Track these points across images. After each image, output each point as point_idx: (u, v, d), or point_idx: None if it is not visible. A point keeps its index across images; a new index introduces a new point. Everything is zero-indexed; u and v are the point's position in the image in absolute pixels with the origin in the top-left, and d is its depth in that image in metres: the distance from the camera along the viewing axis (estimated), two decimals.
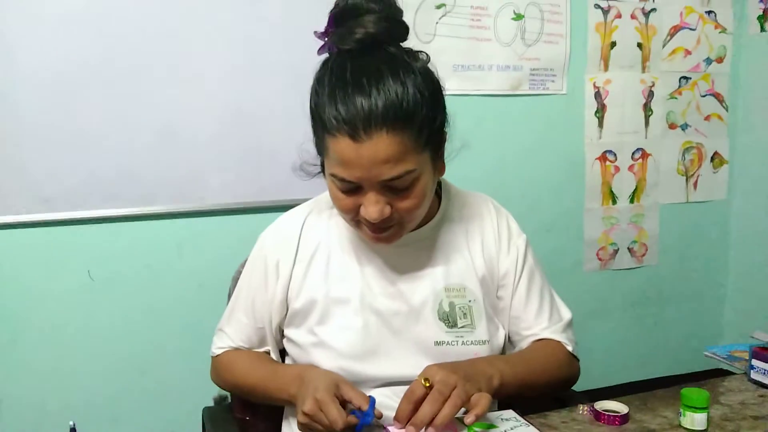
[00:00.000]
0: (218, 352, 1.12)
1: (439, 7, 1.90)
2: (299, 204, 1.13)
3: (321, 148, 0.93)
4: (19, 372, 1.67)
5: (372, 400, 0.88)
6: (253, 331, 1.10)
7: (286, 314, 1.07)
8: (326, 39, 0.93)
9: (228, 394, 1.23)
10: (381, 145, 0.86)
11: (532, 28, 2.01)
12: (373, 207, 0.89)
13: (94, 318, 1.72)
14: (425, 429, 0.84)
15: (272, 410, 1.12)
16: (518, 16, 1.99)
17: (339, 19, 0.91)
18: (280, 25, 1.76)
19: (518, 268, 1.10)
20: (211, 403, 1.44)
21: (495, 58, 1.98)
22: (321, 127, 0.89)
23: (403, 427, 0.85)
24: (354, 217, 0.94)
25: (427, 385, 0.86)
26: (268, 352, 1.11)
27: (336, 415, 0.86)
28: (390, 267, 1.04)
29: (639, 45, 2.18)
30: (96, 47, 1.63)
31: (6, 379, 1.66)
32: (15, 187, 1.61)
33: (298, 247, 1.05)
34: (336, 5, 0.91)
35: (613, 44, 2.14)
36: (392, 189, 0.90)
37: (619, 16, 2.13)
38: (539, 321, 1.10)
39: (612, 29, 2.13)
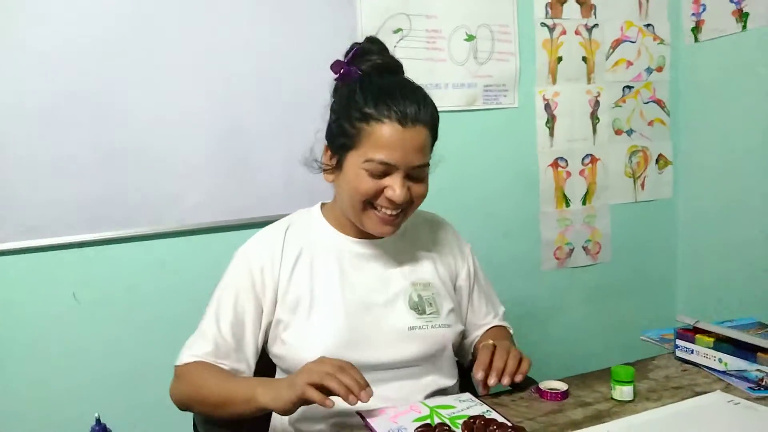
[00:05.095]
0: (189, 360, 1.15)
1: (396, 31, 2.04)
2: (275, 220, 1.27)
3: (351, 142, 1.09)
4: (8, 394, 1.72)
5: None
6: (231, 340, 1.14)
7: (272, 317, 1.16)
8: (345, 66, 1.15)
9: None
10: (420, 135, 1.07)
11: (483, 47, 2.16)
12: (400, 189, 1.07)
13: (82, 339, 1.78)
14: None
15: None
16: (470, 37, 2.14)
17: (356, 54, 1.15)
18: (257, 51, 1.86)
19: (471, 275, 1.30)
20: None
21: (450, 77, 2.13)
22: (362, 119, 1.07)
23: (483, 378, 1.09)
24: (371, 200, 1.10)
25: (494, 345, 1.12)
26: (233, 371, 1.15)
27: (359, 375, 0.99)
28: (366, 266, 1.18)
29: (584, 58, 2.34)
30: (71, 73, 1.68)
31: None
32: None
33: (282, 252, 1.17)
34: (353, 46, 1.17)
35: (560, 59, 2.30)
36: (412, 177, 1.10)
37: (564, 32, 2.29)
38: (489, 315, 1.34)
39: (558, 45, 2.29)
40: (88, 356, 1.80)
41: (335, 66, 1.16)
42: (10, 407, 1.73)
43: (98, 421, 0.73)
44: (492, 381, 1.06)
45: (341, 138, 1.10)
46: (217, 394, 1.08)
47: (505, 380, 1.07)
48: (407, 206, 1.12)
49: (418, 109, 1.07)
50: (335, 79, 1.18)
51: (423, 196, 1.14)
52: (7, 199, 1.68)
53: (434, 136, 1.13)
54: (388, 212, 1.10)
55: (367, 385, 0.98)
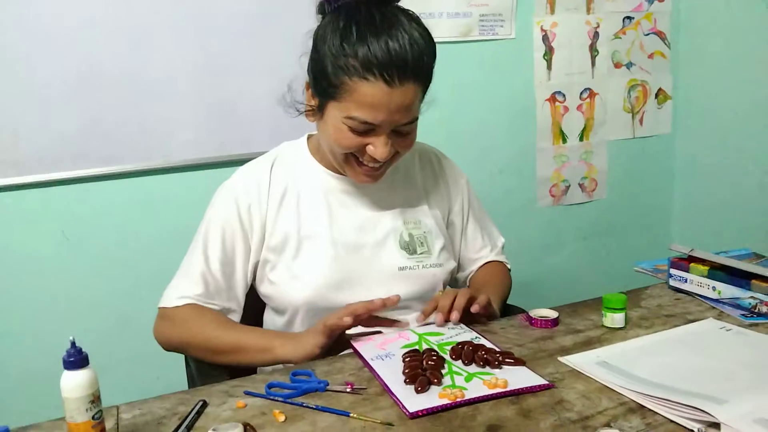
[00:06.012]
0: (179, 302, 1.10)
1: None
2: (259, 156, 1.21)
3: (333, 92, 0.98)
4: (3, 329, 1.74)
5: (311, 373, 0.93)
6: (221, 278, 1.11)
7: (259, 256, 1.13)
8: None
9: None
10: (408, 94, 0.97)
11: None
12: (383, 148, 1.00)
13: (72, 274, 1.78)
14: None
15: None
16: None
17: None
18: None
19: (465, 208, 1.26)
20: None
21: (444, 6, 2.05)
22: (344, 71, 0.95)
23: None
24: (353, 154, 1.03)
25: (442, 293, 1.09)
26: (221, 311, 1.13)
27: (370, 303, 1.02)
28: (354, 205, 1.14)
29: None
30: (54, 6, 1.63)
31: None
32: None
33: (269, 189, 1.12)
34: None
35: None
36: (398, 133, 1.02)
37: None
38: (485, 248, 1.30)
39: None
40: (78, 291, 1.79)
41: None
42: (8, 342, 1.74)
43: (73, 344, 0.71)
44: (438, 318, 1.04)
45: (323, 82, 1.00)
46: (222, 342, 1.05)
47: (454, 315, 1.03)
48: (392, 158, 1.06)
49: (408, 63, 0.94)
50: None
51: (409, 147, 1.07)
52: None
53: (426, 87, 1.02)
54: (371, 165, 1.04)
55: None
